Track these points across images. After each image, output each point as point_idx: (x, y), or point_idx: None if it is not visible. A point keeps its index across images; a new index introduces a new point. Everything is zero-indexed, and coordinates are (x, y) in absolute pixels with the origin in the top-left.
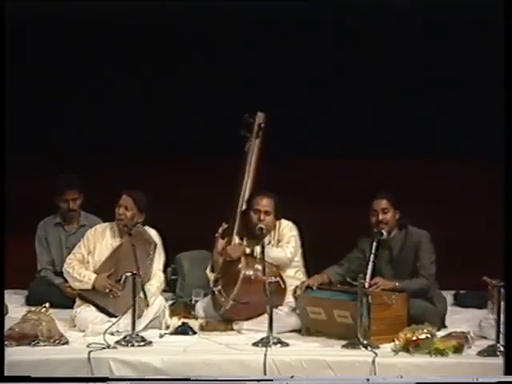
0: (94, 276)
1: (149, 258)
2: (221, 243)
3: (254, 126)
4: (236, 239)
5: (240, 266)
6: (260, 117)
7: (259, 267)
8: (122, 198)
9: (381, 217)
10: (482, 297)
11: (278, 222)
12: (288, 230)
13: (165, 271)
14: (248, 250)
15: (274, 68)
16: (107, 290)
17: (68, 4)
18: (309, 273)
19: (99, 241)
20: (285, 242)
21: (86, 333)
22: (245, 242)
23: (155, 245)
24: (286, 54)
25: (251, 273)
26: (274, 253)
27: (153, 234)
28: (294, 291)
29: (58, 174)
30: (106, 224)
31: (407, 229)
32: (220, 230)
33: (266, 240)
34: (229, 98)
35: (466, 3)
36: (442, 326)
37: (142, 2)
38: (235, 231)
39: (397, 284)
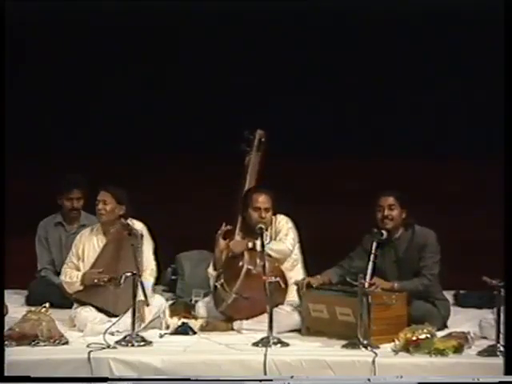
0: (81, 274)
1: (138, 251)
2: (222, 241)
3: (255, 142)
4: (238, 237)
5: (243, 260)
6: (260, 134)
7: (262, 262)
8: (99, 194)
9: (386, 212)
10: (482, 297)
11: (273, 217)
12: (284, 222)
13: (160, 270)
14: (250, 245)
15: (274, 67)
16: (95, 281)
17: (68, 4)
18: (308, 272)
19: (87, 244)
20: (283, 235)
21: (84, 332)
22: (247, 239)
23: (141, 236)
24: (286, 53)
25: (254, 267)
26: (275, 245)
27: (138, 225)
28: (297, 285)
29: (66, 174)
30: (91, 227)
31: (413, 229)
32: (222, 227)
33: (264, 236)
34: (229, 98)
35: (466, 3)
36: (443, 327)
37: (142, 2)
38: (238, 228)
39: (395, 285)
